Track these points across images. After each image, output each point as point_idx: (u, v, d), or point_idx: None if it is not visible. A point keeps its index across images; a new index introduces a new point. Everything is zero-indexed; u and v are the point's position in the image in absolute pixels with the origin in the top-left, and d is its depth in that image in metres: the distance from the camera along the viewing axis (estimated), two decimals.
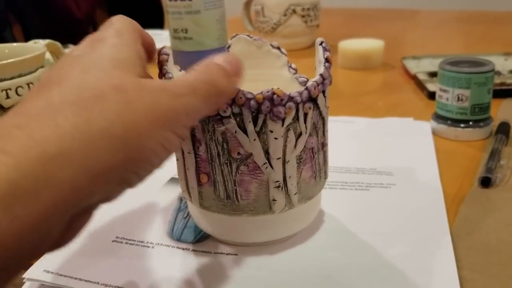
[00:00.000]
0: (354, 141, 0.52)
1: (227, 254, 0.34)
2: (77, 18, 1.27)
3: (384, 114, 0.59)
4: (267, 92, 0.29)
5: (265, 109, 0.29)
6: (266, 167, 0.31)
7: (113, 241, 0.36)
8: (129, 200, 0.41)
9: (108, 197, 0.23)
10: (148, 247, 0.35)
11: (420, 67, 0.76)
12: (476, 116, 0.50)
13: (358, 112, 0.61)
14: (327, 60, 0.32)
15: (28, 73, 0.51)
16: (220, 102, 0.28)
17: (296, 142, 0.31)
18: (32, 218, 0.19)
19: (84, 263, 0.33)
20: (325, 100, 0.32)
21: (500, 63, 0.75)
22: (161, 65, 0.33)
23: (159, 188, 0.43)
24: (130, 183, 0.23)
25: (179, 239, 0.36)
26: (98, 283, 0.31)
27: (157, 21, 1.40)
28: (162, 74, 0.33)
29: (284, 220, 0.33)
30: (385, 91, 0.70)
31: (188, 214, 0.39)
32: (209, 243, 0.35)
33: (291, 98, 0.30)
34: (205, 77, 0.26)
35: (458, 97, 0.50)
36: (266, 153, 0.31)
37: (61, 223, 0.21)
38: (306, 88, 0.30)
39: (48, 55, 0.58)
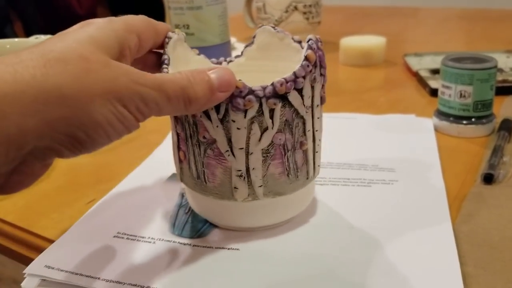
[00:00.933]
0: (356, 137, 0.52)
1: (228, 249, 0.34)
2: (78, 15, 1.27)
3: (386, 111, 0.59)
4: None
5: (226, 99, 0.30)
6: (229, 155, 0.32)
7: (114, 236, 0.36)
8: (130, 196, 0.42)
9: (59, 150, 0.26)
10: (149, 242, 0.35)
11: (422, 64, 0.75)
12: (479, 112, 0.50)
13: (360, 109, 0.61)
14: (306, 58, 0.32)
15: None
16: (191, 109, 0.29)
17: (261, 135, 0.32)
18: None
19: (85, 259, 0.33)
20: (302, 98, 0.32)
21: (503, 61, 0.74)
22: (163, 48, 0.34)
23: (161, 184, 0.43)
24: (81, 143, 0.26)
25: (180, 235, 0.36)
26: (99, 278, 0.31)
27: (158, 17, 1.39)
28: (163, 62, 0.34)
29: (248, 209, 0.34)
30: (387, 88, 0.70)
31: (189, 209, 0.39)
32: (210, 238, 0.35)
33: (251, 92, 0.30)
34: (183, 83, 0.28)
35: (461, 94, 0.50)
36: (229, 141, 0.32)
37: (8, 159, 0.24)
38: (272, 84, 0.31)
39: None
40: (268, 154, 0.32)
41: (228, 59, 0.39)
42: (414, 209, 0.38)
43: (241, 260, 0.33)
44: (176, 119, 0.34)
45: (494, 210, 0.37)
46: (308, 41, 0.32)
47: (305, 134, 0.33)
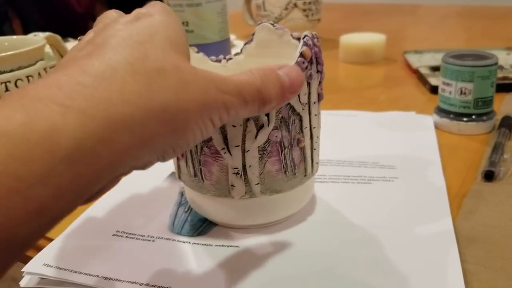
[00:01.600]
0: (356, 135, 0.51)
1: (228, 246, 0.34)
2: (77, 12, 1.27)
3: (386, 108, 0.59)
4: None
5: None
6: (225, 153, 0.32)
7: (113, 235, 0.36)
8: (129, 194, 0.41)
9: (144, 166, 0.24)
10: (149, 240, 0.35)
11: (422, 61, 0.75)
12: (479, 109, 0.50)
13: (360, 106, 0.60)
14: (301, 54, 0.31)
15: (28, 66, 0.50)
16: (264, 110, 0.28)
17: (257, 133, 0.31)
18: (90, 176, 0.20)
19: (84, 257, 0.33)
20: (298, 95, 0.32)
21: (503, 58, 0.74)
22: None
23: (160, 183, 0.43)
24: (165, 157, 0.24)
25: (180, 233, 0.36)
26: (98, 276, 0.31)
27: None
28: None
29: (245, 207, 0.34)
30: (387, 85, 0.69)
31: (188, 208, 0.39)
32: (210, 236, 0.35)
33: None
34: (257, 83, 0.26)
35: (461, 91, 0.50)
36: (225, 139, 0.31)
37: (105, 183, 0.22)
38: None
39: (47, 48, 0.58)
40: (265, 152, 0.32)
41: (227, 56, 0.38)
42: (414, 206, 0.37)
43: (241, 258, 0.33)
44: None
45: (494, 207, 0.37)
46: (303, 38, 0.32)
47: (302, 131, 0.33)
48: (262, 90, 0.26)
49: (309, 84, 0.33)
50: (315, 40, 0.33)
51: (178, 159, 0.35)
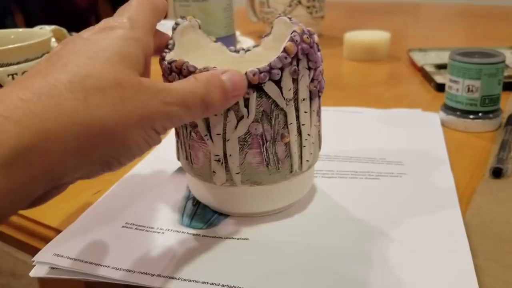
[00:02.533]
0: (363, 131, 0.51)
1: (237, 239, 0.34)
2: (79, 8, 1.27)
3: (392, 105, 0.59)
4: (203, 69, 0.31)
5: None
6: (208, 139, 0.33)
7: (122, 226, 0.36)
8: (137, 187, 0.41)
9: (89, 175, 0.26)
10: (158, 232, 0.35)
11: (427, 59, 0.75)
12: (486, 107, 0.50)
13: (365, 103, 0.60)
14: (284, 49, 0.31)
15: (35, 58, 0.50)
16: (207, 113, 0.30)
17: (237, 123, 0.32)
18: (24, 180, 0.22)
19: (94, 248, 0.33)
20: (281, 90, 0.32)
21: (507, 57, 0.74)
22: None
23: (167, 177, 0.43)
24: (111, 167, 0.26)
25: (189, 226, 0.36)
26: (108, 266, 0.31)
27: None
28: (166, 46, 0.35)
29: (226, 194, 0.35)
30: (392, 82, 0.69)
31: (197, 202, 0.39)
32: (219, 229, 0.35)
33: None
34: (200, 91, 0.28)
35: (468, 88, 0.50)
36: (208, 126, 0.33)
37: (43, 189, 0.23)
38: (245, 73, 0.31)
39: (53, 42, 0.58)
40: (245, 143, 0.33)
41: (246, 47, 0.39)
42: (423, 201, 0.37)
43: (250, 250, 0.33)
44: None
45: (503, 204, 0.37)
46: (291, 33, 0.32)
47: (287, 127, 0.33)
48: (205, 96, 0.28)
49: (295, 80, 0.32)
50: (305, 36, 0.32)
51: (177, 141, 0.37)
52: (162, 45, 0.34)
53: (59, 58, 0.25)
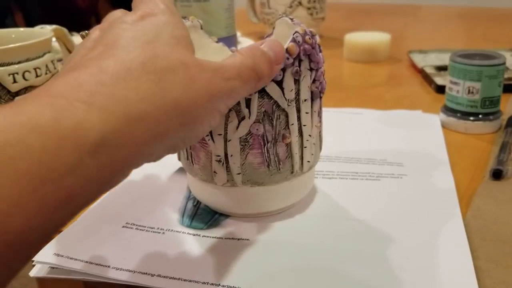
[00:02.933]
0: (363, 132, 0.51)
1: (238, 239, 0.34)
2: (79, 7, 1.27)
3: (392, 107, 0.59)
4: None
5: None
6: (209, 139, 0.33)
7: (123, 226, 0.36)
8: (138, 187, 0.41)
9: (156, 159, 0.26)
10: (159, 232, 0.35)
11: (427, 61, 0.75)
12: (486, 109, 0.50)
13: (365, 104, 0.60)
14: (286, 50, 0.31)
15: (36, 58, 0.50)
16: (258, 86, 0.30)
17: (238, 124, 0.32)
18: (113, 167, 0.22)
19: (94, 247, 0.33)
20: (283, 91, 0.32)
21: (507, 59, 0.74)
22: None
23: (168, 177, 0.43)
24: (176, 149, 0.26)
25: (189, 226, 0.36)
26: (109, 266, 0.31)
27: None
28: None
29: (227, 195, 0.35)
30: (392, 84, 0.70)
31: (197, 202, 0.39)
32: (219, 230, 0.35)
33: None
34: (250, 62, 0.28)
35: (469, 90, 0.50)
36: None
37: (124, 178, 0.23)
38: None
39: (53, 41, 0.58)
40: (246, 143, 0.33)
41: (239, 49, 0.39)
42: (424, 203, 0.37)
43: (251, 250, 0.33)
44: None
45: (503, 205, 0.37)
46: (293, 34, 0.32)
47: (288, 128, 0.33)
48: (255, 67, 0.28)
49: (297, 81, 0.33)
50: (307, 37, 0.32)
51: None
52: None
53: (114, 41, 0.24)
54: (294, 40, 0.32)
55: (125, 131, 0.22)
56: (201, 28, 0.37)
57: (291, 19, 0.35)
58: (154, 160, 0.26)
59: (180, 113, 0.24)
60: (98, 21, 1.58)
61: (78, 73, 0.23)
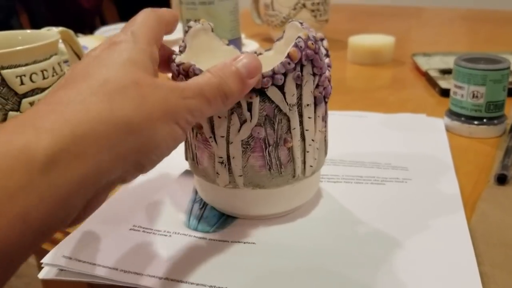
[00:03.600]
0: (367, 135, 0.52)
1: (244, 243, 0.34)
2: (84, 8, 1.27)
3: (396, 110, 0.59)
4: None
5: None
6: (212, 141, 0.34)
7: (130, 229, 0.36)
8: (144, 191, 0.42)
9: (124, 178, 0.27)
10: (165, 235, 0.35)
11: (431, 64, 0.76)
12: (491, 113, 0.50)
13: (369, 107, 0.61)
14: (288, 55, 0.32)
15: (43, 60, 0.50)
16: (228, 104, 0.30)
17: (240, 127, 0.33)
18: (65, 186, 0.22)
19: (102, 250, 0.33)
20: (284, 95, 0.32)
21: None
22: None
23: (174, 180, 0.43)
24: (143, 168, 0.27)
25: (195, 229, 0.36)
26: (117, 269, 0.31)
27: None
28: (179, 47, 0.36)
29: (230, 196, 0.36)
30: (396, 87, 0.70)
31: (204, 205, 0.39)
32: (225, 233, 0.35)
33: None
34: (217, 81, 0.29)
35: (473, 94, 0.50)
36: (212, 128, 0.33)
37: (85, 197, 0.24)
38: None
39: (60, 43, 0.58)
40: (248, 146, 0.33)
41: (257, 51, 0.39)
42: (429, 207, 0.38)
43: (257, 253, 0.33)
44: None
45: (508, 210, 0.38)
46: (296, 39, 0.32)
47: (290, 132, 0.34)
48: (221, 86, 0.29)
49: (299, 85, 0.33)
50: (310, 42, 0.32)
51: (185, 142, 0.37)
52: (166, 58, 0.34)
53: (76, 74, 0.27)
54: (296, 45, 0.32)
55: (74, 150, 0.23)
56: (212, 31, 0.38)
57: (301, 23, 0.36)
58: (124, 182, 0.27)
59: (134, 128, 0.25)
60: (103, 21, 1.59)
61: (35, 107, 0.25)
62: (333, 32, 1.05)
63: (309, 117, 0.34)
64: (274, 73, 0.32)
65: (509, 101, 0.58)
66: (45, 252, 0.35)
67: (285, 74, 0.32)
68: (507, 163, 0.43)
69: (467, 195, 0.40)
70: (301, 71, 0.32)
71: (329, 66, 0.36)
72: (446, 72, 0.70)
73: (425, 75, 0.71)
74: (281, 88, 0.32)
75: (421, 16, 1.25)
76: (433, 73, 0.70)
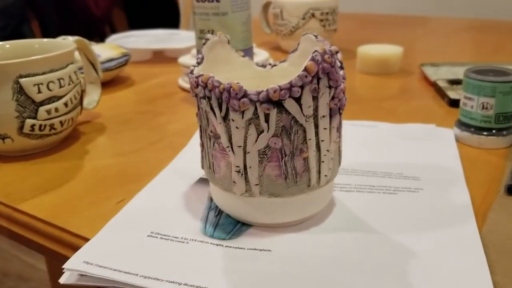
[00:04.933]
0: (378, 145, 0.52)
1: (260, 250, 0.35)
2: (95, 15, 1.28)
3: (406, 120, 0.60)
4: (227, 84, 0.33)
5: (225, 99, 0.33)
6: (229, 151, 0.35)
7: (148, 236, 0.37)
8: (160, 197, 0.42)
9: None
10: (183, 242, 0.36)
11: (439, 74, 0.76)
12: (500, 124, 0.51)
13: (379, 117, 0.61)
14: (305, 68, 0.32)
15: (60, 69, 0.51)
16: None
17: (257, 137, 0.34)
18: None
19: (121, 256, 0.34)
20: (301, 107, 0.33)
21: None
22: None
23: (189, 187, 0.44)
24: None
25: (212, 236, 0.37)
26: (137, 274, 0.32)
27: (173, 21, 1.40)
28: (197, 58, 0.38)
29: (246, 204, 0.36)
30: (405, 97, 0.70)
31: (219, 212, 0.40)
32: (242, 239, 0.36)
33: (246, 95, 0.32)
34: None
35: (483, 105, 0.51)
36: (230, 138, 0.34)
37: None
38: (267, 90, 0.32)
39: (76, 52, 0.59)
40: (265, 156, 0.34)
41: (272, 63, 0.40)
42: (441, 217, 0.38)
43: (273, 260, 0.34)
44: (198, 112, 0.37)
45: None
46: (313, 53, 0.33)
47: (305, 142, 0.34)
48: None
49: (315, 98, 0.34)
50: (326, 56, 0.33)
51: (201, 150, 0.39)
52: None
53: None
54: (313, 59, 0.33)
55: None
56: (228, 43, 0.39)
57: (316, 36, 0.37)
58: None
59: None
60: (112, 29, 1.61)
61: None
62: (341, 41, 1.06)
63: (325, 128, 0.35)
64: (291, 85, 0.32)
65: None
66: (65, 258, 0.36)
67: (302, 87, 0.33)
68: None
69: (478, 205, 0.41)
70: (318, 83, 0.33)
71: (343, 78, 0.36)
72: (454, 82, 0.71)
73: (434, 85, 0.72)
74: (298, 100, 0.33)
75: (427, 25, 1.26)
76: (442, 84, 0.71)
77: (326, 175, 0.37)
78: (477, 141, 0.52)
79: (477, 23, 1.26)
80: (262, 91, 0.32)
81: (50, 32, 1.17)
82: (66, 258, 0.35)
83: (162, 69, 0.88)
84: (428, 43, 1.06)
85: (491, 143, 0.51)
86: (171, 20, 1.38)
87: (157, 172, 0.48)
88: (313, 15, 0.92)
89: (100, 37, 1.27)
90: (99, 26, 1.31)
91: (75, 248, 0.36)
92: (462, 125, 0.53)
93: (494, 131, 0.51)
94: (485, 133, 0.51)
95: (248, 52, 0.64)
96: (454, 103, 0.64)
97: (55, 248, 0.39)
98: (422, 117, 0.62)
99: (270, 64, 0.40)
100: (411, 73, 0.82)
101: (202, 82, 0.34)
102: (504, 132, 0.51)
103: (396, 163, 0.48)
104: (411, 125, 0.57)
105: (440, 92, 0.69)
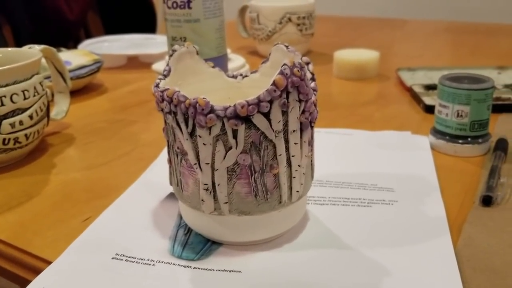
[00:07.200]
0: (353, 154, 0.52)
1: (230, 271, 0.34)
2: (68, 19, 1.26)
3: (381, 127, 0.59)
4: (193, 99, 0.31)
5: (191, 114, 0.32)
6: (197, 168, 0.33)
7: (112, 258, 0.35)
8: (127, 215, 0.41)
9: None
10: (149, 264, 0.34)
11: (415, 79, 0.76)
12: (476, 132, 0.50)
13: (355, 124, 0.61)
14: (273, 83, 0.31)
15: (24, 80, 0.50)
16: None
17: (226, 154, 0.32)
18: None
19: (83, 282, 0.33)
20: (270, 122, 0.32)
21: (494, 77, 0.75)
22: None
23: (158, 204, 0.43)
24: None
25: (180, 257, 0.35)
26: None
27: (149, 25, 1.38)
28: (163, 71, 0.37)
29: (215, 222, 0.35)
30: (381, 102, 0.70)
31: (188, 230, 0.38)
32: (211, 260, 0.35)
33: (213, 110, 0.31)
34: None
35: (458, 113, 0.50)
36: (197, 155, 0.33)
37: None
38: (234, 105, 0.31)
39: (42, 61, 0.57)
40: (234, 173, 0.33)
41: (243, 73, 0.39)
42: (415, 231, 0.37)
43: (243, 282, 0.32)
44: (166, 125, 0.36)
45: (494, 233, 0.38)
46: (282, 66, 0.32)
47: (276, 158, 0.33)
48: None
49: (284, 112, 0.32)
50: (295, 69, 0.32)
51: (169, 166, 0.37)
52: None
53: None
54: (281, 73, 0.32)
55: None
56: (197, 54, 0.37)
57: (287, 47, 0.36)
58: None
59: None
60: (88, 33, 1.58)
61: None
62: (318, 45, 1.05)
63: (295, 143, 0.34)
64: (259, 100, 0.31)
65: (493, 117, 0.59)
66: (27, 282, 0.34)
67: (271, 102, 0.31)
68: (491, 184, 0.43)
69: (453, 217, 0.40)
70: (287, 98, 0.32)
71: (314, 90, 0.35)
72: (430, 88, 0.70)
73: (410, 91, 0.72)
74: (266, 115, 0.32)
75: (405, 28, 1.26)
76: (418, 89, 0.70)
77: (298, 191, 0.35)
78: (452, 149, 0.51)
79: (455, 26, 1.27)
80: (230, 106, 0.31)
81: (22, 37, 1.13)
82: (27, 282, 0.33)
83: (136, 75, 0.86)
84: (405, 46, 1.06)
85: (467, 151, 0.51)
86: (148, 24, 1.35)
87: (126, 186, 0.46)
88: (289, 19, 0.91)
89: (75, 42, 1.25)
90: (74, 31, 1.28)
91: (37, 272, 0.35)
92: (437, 133, 0.53)
93: (469, 139, 0.51)
94: (460, 141, 0.51)
95: (222, 60, 0.62)
96: (430, 109, 0.63)
97: (16, 271, 0.37)
98: (398, 124, 0.61)
99: (241, 74, 0.39)
100: (388, 78, 0.81)
101: (168, 96, 0.33)
102: (480, 140, 0.51)
103: (371, 173, 0.47)
104: (386, 133, 0.57)
105: (416, 97, 0.69)
